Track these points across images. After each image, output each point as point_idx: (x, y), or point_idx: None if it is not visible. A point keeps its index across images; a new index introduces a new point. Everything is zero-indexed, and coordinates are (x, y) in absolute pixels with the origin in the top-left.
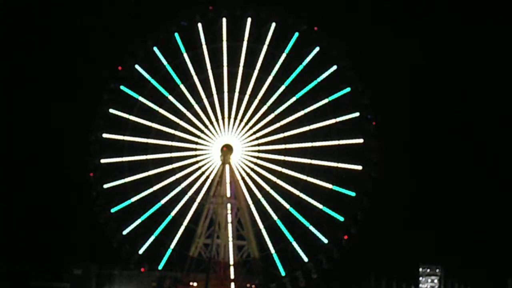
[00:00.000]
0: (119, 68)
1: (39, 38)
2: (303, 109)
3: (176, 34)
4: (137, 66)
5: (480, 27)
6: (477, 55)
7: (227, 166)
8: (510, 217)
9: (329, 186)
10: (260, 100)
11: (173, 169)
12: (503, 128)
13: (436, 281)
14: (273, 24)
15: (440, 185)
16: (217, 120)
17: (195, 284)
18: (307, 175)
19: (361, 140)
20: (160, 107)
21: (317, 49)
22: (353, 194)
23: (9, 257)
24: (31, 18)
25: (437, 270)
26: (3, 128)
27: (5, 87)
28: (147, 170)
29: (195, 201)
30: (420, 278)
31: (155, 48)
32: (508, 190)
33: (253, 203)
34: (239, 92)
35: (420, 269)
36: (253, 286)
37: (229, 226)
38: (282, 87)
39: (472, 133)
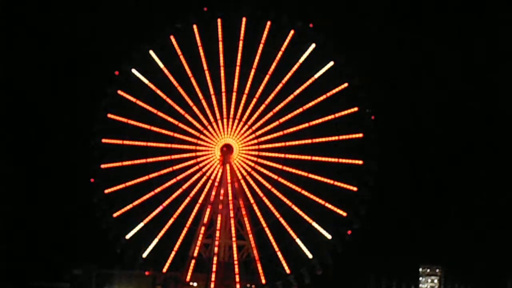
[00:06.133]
0: (116, 73)
1: (37, 43)
2: (301, 106)
3: (172, 37)
4: (134, 70)
5: (480, 25)
6: (477, 52)
7: (227, 166)
8: (510, 217)
9: (331, 181)
10: (258, 99)
11: (173, 171)
12: (504, 126)
13: (436, 281)
14: (268, 23)
15: (440, 184)
16: (216, 120)
17: (195, 284)
18: (308, 172)
19: (360, 135)
20: (158, 110)
21: (313, 45)
22: (354, 188)
23: (9, 257)
24: (29, 21)
25: (437, 270)
26: (4, 131)
27: (3, 91)
28: (148, 174)
29: (196, 202)
30: (420, 278)
31: (151, 52)
32: (509, 190)
33: (255, 201)
34: (237, 92)
35: (420, 269)
36: (253, 286)
37: (230, 226)
38: (280, 85)
39: (473, 130)
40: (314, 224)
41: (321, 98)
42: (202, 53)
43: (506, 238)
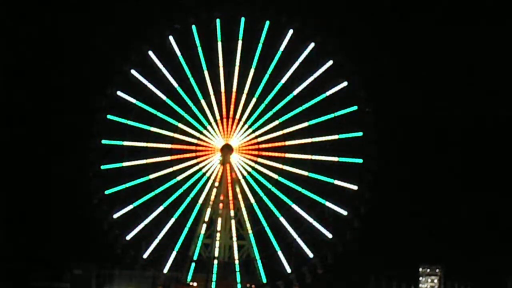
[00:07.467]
0: (116, 73)
1: (37, 43)
2: (301, 105)
3: (171, 37)
4: (133, 71)
5: (480, 25)
6: (476, 51)
7: (227, 166)
8: (510, 217)
9: (331, 180)
10: (257, 99)
11: (173, 171)
12: (504, 125)
13: (436, 281)
14: (267, 23)
15: (440, 184)
16: (215, 120)
17: (195, 284)
18: (308, 171)
19: (360, 133)
20: (158, 110)
21: (312, 45)
22: (355, 187)
23: (9, 257)
24: (29, 21)
25: (437, 270)
26: (4, 132)
27: (2, 91)
28: (148, 174)
29: (197, 202)
30: (420, 278)
31: (150, 52)
32: (509, 189)
33: (256, 201)
34: (236, 92)
35: (420, 269)
36: (253, 286)
37: (230, 226)
38: (279, 85)
39: (473, 130)
40: (315, 224)
41: (321, 97)
42: (201, 53)
43: (506, 238)
